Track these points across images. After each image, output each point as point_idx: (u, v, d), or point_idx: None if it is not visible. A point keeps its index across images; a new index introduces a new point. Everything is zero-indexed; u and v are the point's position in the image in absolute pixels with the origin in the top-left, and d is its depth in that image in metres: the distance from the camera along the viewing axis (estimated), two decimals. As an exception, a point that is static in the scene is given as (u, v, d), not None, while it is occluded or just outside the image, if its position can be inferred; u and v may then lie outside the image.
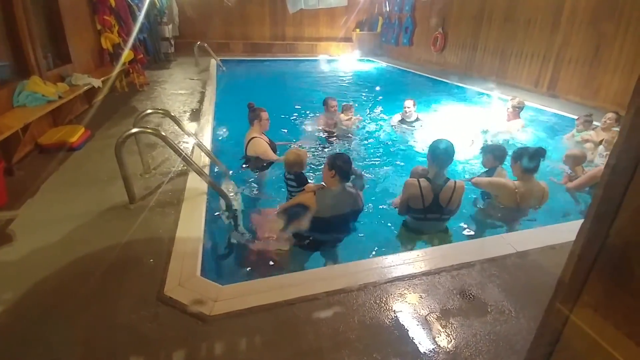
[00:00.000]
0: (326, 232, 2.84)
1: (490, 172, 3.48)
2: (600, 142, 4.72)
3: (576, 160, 3.93)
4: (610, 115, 4.74)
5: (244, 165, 4.21)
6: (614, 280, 0.86)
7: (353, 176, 2.92)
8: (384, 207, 3.59)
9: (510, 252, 2.55)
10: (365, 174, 3.95)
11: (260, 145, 4.05)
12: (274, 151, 4.23)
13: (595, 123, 5.22)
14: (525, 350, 1.79)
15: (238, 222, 3.23)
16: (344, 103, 6.05)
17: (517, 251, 2.55)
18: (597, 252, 0.88)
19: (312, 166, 4.44)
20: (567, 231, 2.75)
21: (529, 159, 3.07)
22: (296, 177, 3.28)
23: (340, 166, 2.72)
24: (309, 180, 3.40)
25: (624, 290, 0.84)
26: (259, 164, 4.12)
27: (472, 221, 3.39)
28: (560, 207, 3.65)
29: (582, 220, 0.94)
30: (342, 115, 5.74)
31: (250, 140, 4.07)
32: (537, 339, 1.13)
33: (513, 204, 3.12)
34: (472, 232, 3.29)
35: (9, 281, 2.25)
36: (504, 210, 3.20)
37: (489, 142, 5.05)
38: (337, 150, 5.05)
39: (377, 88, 9.50)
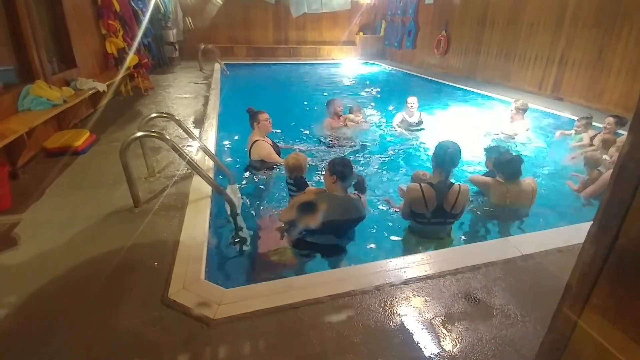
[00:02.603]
0: (327, 237, 2.81)
1: (491, 174, 3.47)
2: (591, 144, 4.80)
3: (595, 163, 3.86)
4: (610, 119, 4.69)
5: (248, 169, 4.21)
6: (623, 284, 0.85)
7: (355, 180, 2.85)
8: (388, 210, 3.57)
9: (516, 255, 2.53)
10: (367, 177, 3.93)
11: (263, 148, 4.05)
12: (278, 154, 4.22)
13: (598, 125, 5.20)
14: (531, 354, 1.78)
15: (242, 226, 3.22)
16: (354, 105, 6.05)
17: (523, 254, 2.53)
18: (606, 255, 0.87)
19: (318, 170, 4.42)
20: (574, 234, 2.72)
21: (505, 167, 3.14)
22: (296, 182, 3.26)
23: (341, 171, 2.65)
24: (310, 184, 3.38)
25: (633, 295, 0.83)
26: (263, 167, 4.12)
27: (470, 219, 3.39)
28: (568, 210, 3.62)
29: (589, 223, 0.93)
30: (351, 116, 5.72)
31: (253, 144, 4.08)
32: (544, 345, 1.11)
33: (503, 203, 3.19)
34: (470, 231, 3.30)
35: (13, 284, 2.26)
36: (495, 208, 3.27)
37: (493, 144, 5.03)
38: (344, 153, 5.03)
39: (375, 90, 9.49)
